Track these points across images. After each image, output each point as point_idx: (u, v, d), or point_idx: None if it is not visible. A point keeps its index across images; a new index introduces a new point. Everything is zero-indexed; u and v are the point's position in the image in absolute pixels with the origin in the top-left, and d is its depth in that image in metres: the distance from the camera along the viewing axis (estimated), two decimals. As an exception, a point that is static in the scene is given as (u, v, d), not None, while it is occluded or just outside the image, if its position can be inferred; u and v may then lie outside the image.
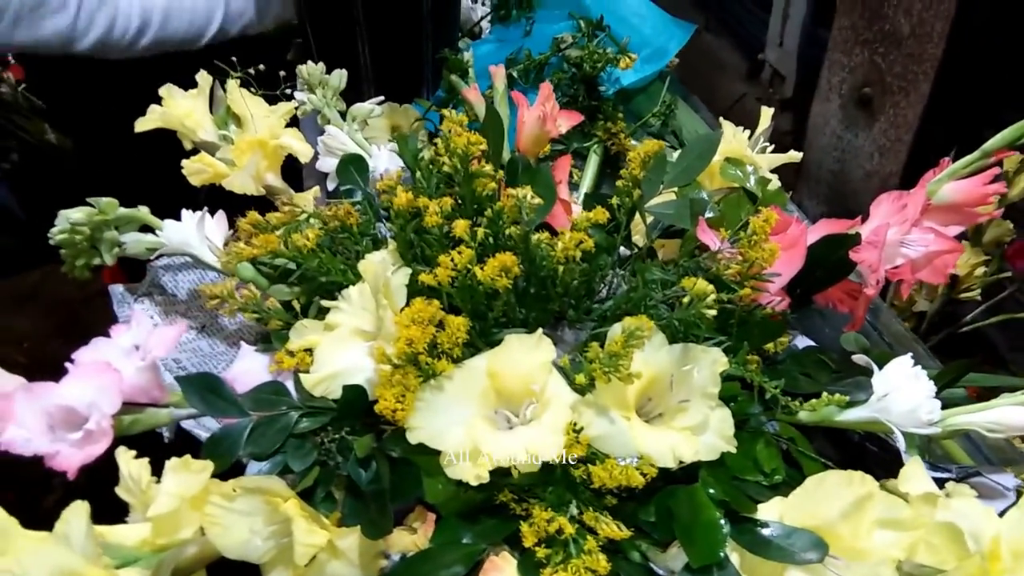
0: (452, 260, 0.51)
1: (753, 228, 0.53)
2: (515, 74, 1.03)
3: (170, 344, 0.54)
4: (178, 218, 0.72)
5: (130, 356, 0.55)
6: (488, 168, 0.59)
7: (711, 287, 0.48)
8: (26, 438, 0.50)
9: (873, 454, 0.60)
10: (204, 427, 0.63)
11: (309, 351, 0.57)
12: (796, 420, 0.55)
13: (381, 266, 0.55)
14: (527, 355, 0.52)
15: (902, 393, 0.52)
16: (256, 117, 0.81)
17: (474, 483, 0.47)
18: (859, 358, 0.56)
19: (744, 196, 0.69)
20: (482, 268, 0.52)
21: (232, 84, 0.82)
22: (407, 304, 0.53)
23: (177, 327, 0.56)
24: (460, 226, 0.55)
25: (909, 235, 0.60)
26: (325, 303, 0.59)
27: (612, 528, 0.45)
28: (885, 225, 0.58)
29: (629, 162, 0.62)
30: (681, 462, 0.49)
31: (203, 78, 0.81)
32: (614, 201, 0.63)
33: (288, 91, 0.89)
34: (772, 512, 0.46)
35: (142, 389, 0.54)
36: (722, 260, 0.56)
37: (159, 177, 0.79)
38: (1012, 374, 0.97)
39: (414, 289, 0.55)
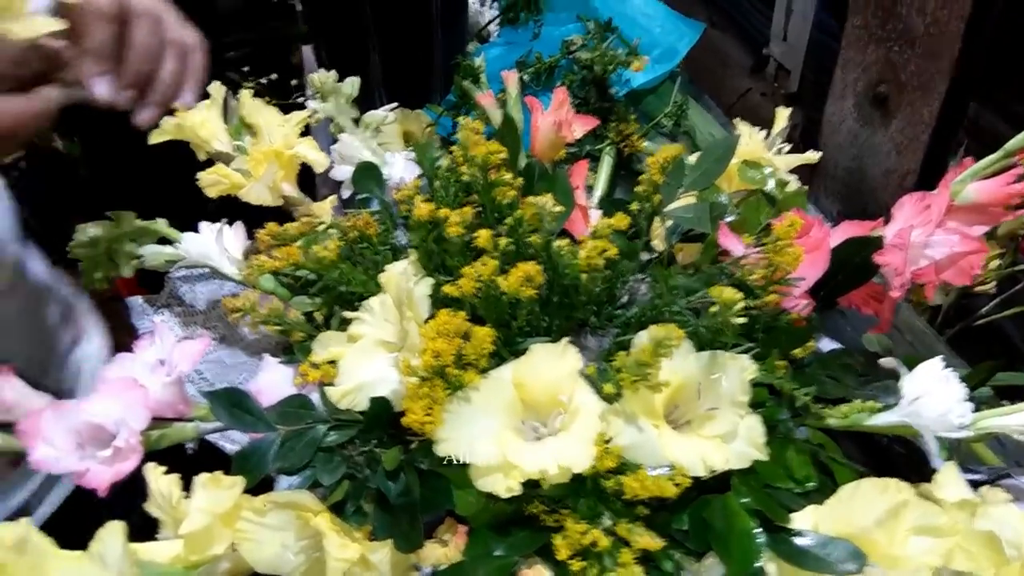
0: (476, 271, 0.51)
1: (778, 233, 0.53)
2: (525, 77, 1.03)
3: (195, 359, 0.54)
4: (189, 225, 0.72)
5: (155, 371, 0.55)
6: (508, 176, 0.59)
7: (739, 295, 0.48)
8: (56, 456, 0.50)
9: (899, 456, 0.59)
10: (229, 439, 0.63)
11: (333, 363, 0.57)
12: (824, 425, 0.54)
13: (403, 277, 0.54)
14: (553, 364, 0.52)
15: (933, 397, 0.52)
16: (270, 127, 0.80)
17: (505, 495, 0.47)
18: (887, 361, 0.56)
19: (763, 198, 0.69)
20: (506, 278, 0.52)
21: (245, 94, 0.82)
22: (431, 315, 0.53)
23: (201, 341, 0.55)
24: (483, 236, 0.54)
25: (933, 236, 0.59)
26: (347, 314, 0.59)
27: (646, 539, 0.44)
28: (909, 227, 0.58)
29: (648, 167, 0.62)
30: (712, 471, 0.49)
31: (216, 88, 0.80)
32: (634, 206, 0.62)
33: (300, 100, 0.89)
34: (806, 521, 0.46)
35: (168, 404, 0.54)
36: (746, 265, 0.56)
37: (167, 185, 0.79)
38: (1024, 362, 0.97)
39: (437, 299, 0.54)
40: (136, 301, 0.79)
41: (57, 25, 0.51)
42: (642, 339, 0.52)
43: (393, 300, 0.56)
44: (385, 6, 1.02)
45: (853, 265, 0.60)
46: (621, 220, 0.58)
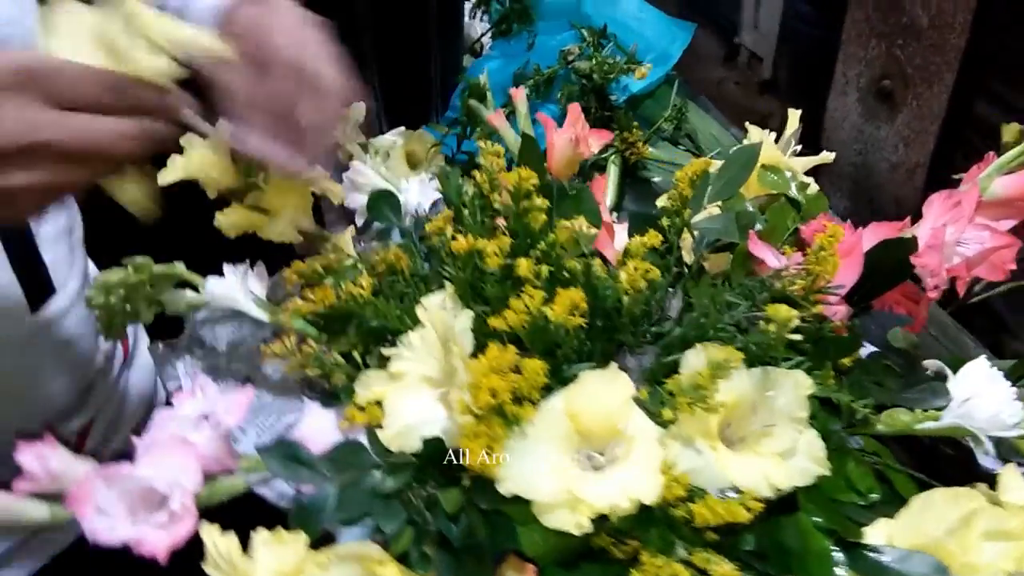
0: (524, 303, 0.51)
1: (821, 243, 0.53)
2: (525, 89, 1.02)
3: (241, 411, 0.53)
4: (195, 265, 0.70)
5: (199, 426, 0.54)
6: (540, 201, 0.58)
7: (795, 312, 0.48)
8: (110, 525, 0.49)
9: (945, 456, 0.60)
10: (272, 488, 0.62)
11: (378, 403, 0.56)
12: (875, 432, 0.55)
13: (446, 313, 0.54)
14: (605, 391, 0.51)
15: (983, 398, 0.52)
16: (280, 159, 0.79)
17: (575, 532, 0.47)
18: (931, 363, 0.56)
19: (787, 203, 0.69)
20: (552, 308, 0.52)
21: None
22: (478, 349, 0.53)
23: (245, 392, 0.55)
24: (523, 266, 0.54)
25: (964, 233, 0.60)
26: (386, 351, 0.58)
27: (724, 568, 0.44)
28: (942, 226, 0.58)
29: (677, 182, 0.62)
30: (777, 490, 0.49)
31: (223, 124, 0.79)
32: (664, 221, 0.62)
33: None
34: (880, 535, 0.46)
35: (215, 459, 0.53)
36: (787, 277, 0.56)
37: (170, 225, 0.78)
38: (1016, 338, 0.99)
39: (479, 332, 0.54)
40: (158, 349, 0.77)
41: (178, 74, 0.51)
42: (693, 360, 0.52)
43: (438, 336, 0.55)
44: (383, 24, 1.01)
45: (888, 268, 0.60)
46: (654, 238, 0.58)
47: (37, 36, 0.49)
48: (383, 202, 0.76)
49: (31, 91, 0.44)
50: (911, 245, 0.59)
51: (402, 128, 0.94)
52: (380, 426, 0.55)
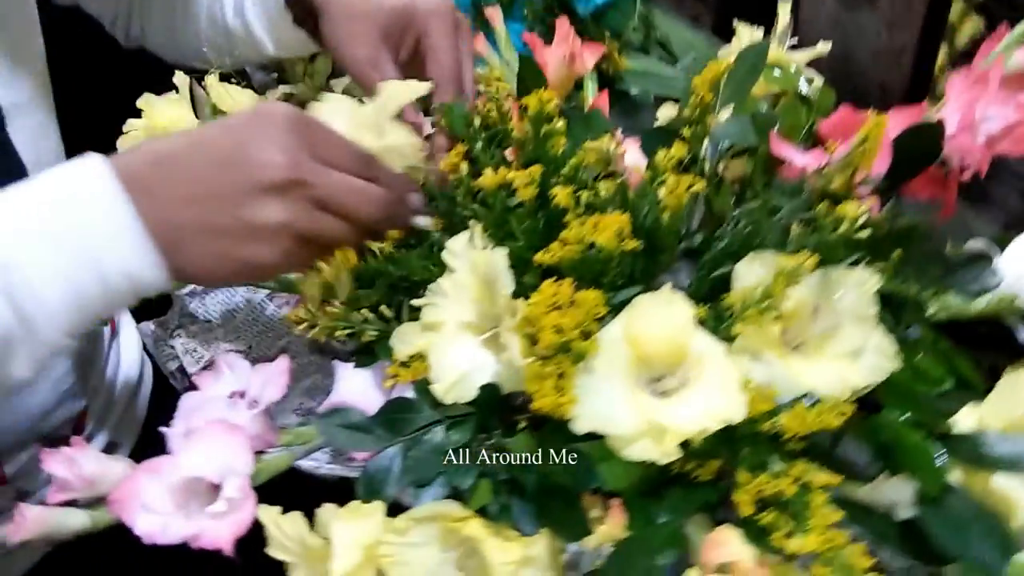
0: (577, 234, 0.48)
1: (865, 133, 0.51)
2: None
3: (283, 382, 0.50)
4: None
5: (236, 406, 0.50)
6: (560, 125, 0.54)
7: (864, 207, 0.46)
8: (162, 524, 0.45)
9: (984, 336, 0.59)
10: (310, 459, 0.59)
11: (420, 357, 0.53)
12: (930, 320, 0.54)
13: (486, 254, 0.50)
14: (663, 313, 0.49)
15: (1037, 272, 0.51)
16: (250, 111, 0.73)
17: (664, 461, 0.45)
18: (975, 243, 0.56)
19: (797, 100, 0.67)
20: (598, 235, 0.49)
21: (212, 79, 0.74)
22: (522, 287, 0.50)
23: (281, 363, 0.51)
24: (562, 194, 0.51)
25: (988, 110, 0.58)
26: (416, 302, 0.54)
27: (824, 477, 0.43)
28: (971, 106, 0.57)
29: (695, 88, 0.59)
30: (855, 391, 0.48)
31: (181, 78, 0.73)
32: (686, 132, 0.59)
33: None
34: (969, 422, 0.45)
35: (258, 438, 0.50)
36: (827, 173, 0.54)
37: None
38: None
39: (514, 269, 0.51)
40: (148, 328, 0.72)
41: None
42: (745, 271, 0.50)
43: (479, 278, 0.51)
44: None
45: (916, 153, 0.58)
46: (680, 150, 0.56)
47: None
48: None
49: (303, 137, 0.47)
50: (940, 129, 0.57)
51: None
52: (427, 380, 0.52)
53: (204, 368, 0.70)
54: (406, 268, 0.56)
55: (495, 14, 0.76)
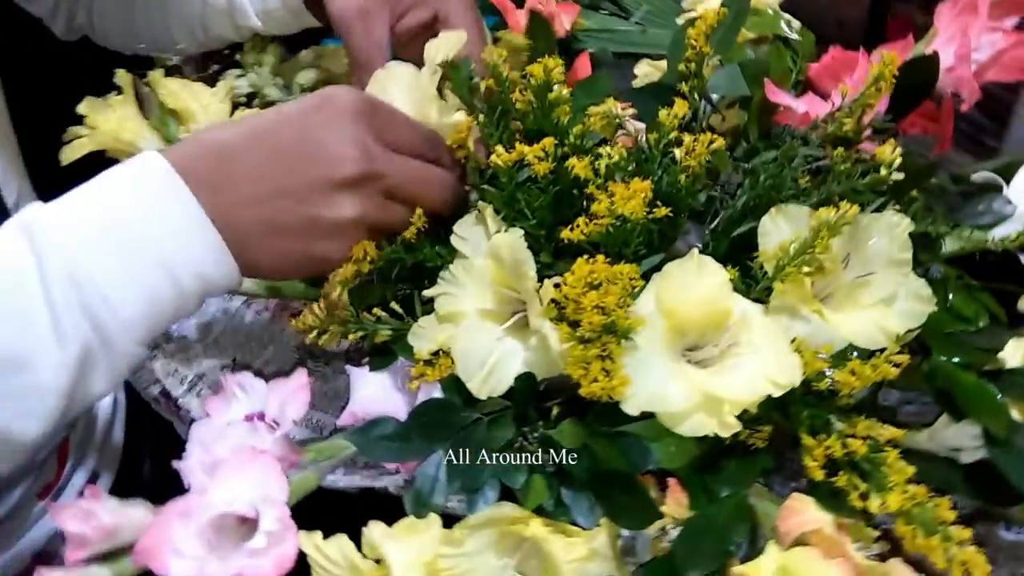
0: (607, 207, 0.45)
1: (878, 73, 0.50)
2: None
3: (303, 399, 0.46)
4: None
5: (257, 429, 0.46)
6: (565, 92, 0.51)
7: (899, 150, 0.45)
8: (198, 569, 0.41)
9: (993, 265, 0.59)
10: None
11: (442, 352, 0.50)
12: (947, 256, 0.54)
13: (511, 238, 0.47)
14: (697, 280, 0.47)
15: (1049, 199, 0.51)
16: (202, 106, 0.68)
17: (723, 433, 0.43)
18: (981, 175, 0.55)
19: (780, 44, 0.65)
20: (624, 204, 0.46)
21: (156, 75, 0.68)
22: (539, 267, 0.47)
23: (298, 378, 0.47)
24: (580, 166, 0.48)
25: (979, 39, 0.58)
26: (429, 292, 0.51)
27: (889, 431, 0.42)
28: (965, 36, 0.56)
29: (690, 39, 0.56)
30: (896, 337, 0.47)
31: (124, 77, 0.67)
32: (684, 87, 0.57)
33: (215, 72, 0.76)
34: (1015, 356, 0.45)
35: (283, 459, 0.46)
36: (840, 116, 0.52)
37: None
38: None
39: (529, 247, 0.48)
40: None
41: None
42: (771, 226, 0.49)
43: (501, 263, 0.48)
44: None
45: (912, 88, 0.57)
46: (682, 107, 0.53)
47: None
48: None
49: (371, 124, 0.46)
50: (935, 62, 0.57)
51: (314, 46, 0.83)
52: (454, 376, 0.49)
53: (190, 388, 0.65)
54: (421, 255, 0.52)
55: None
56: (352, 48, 0.60)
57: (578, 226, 0.47)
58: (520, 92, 0.51)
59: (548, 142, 0.48)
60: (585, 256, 0.45)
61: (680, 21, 0.70)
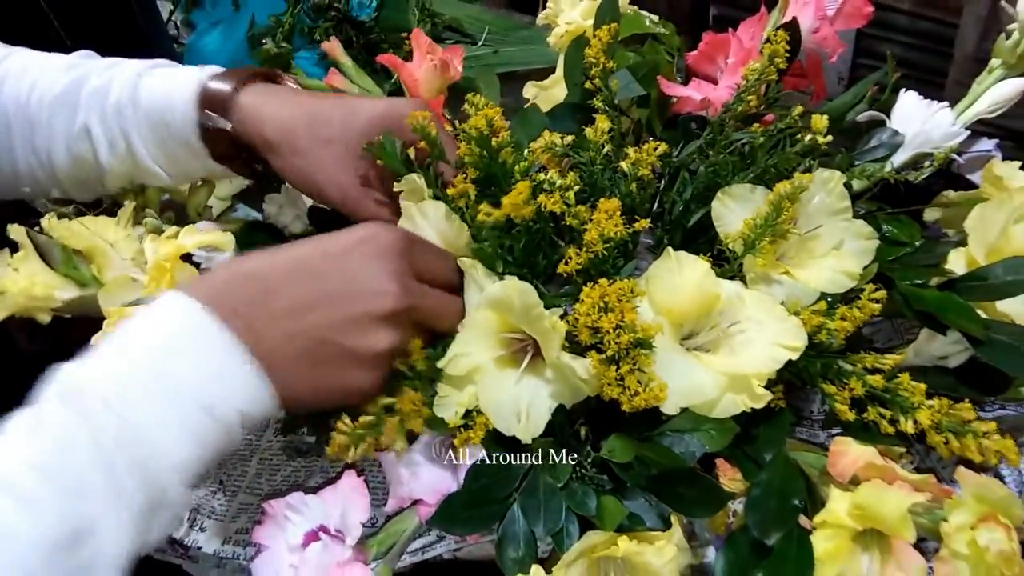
0: (592, 235, 0.48)
1: (772, 50, 0.55)
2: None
3: (364, 502, 0.46)
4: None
5: (328, 544, 0.45)
6: (505, 133, 0.53)
7: (823, 117, 0.50)
8: None
9: (897, 187, 0.66)
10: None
11: (474, 413, 0.51)
12: (853, 191, 0.60)
13: (519, 286, 0.49)
14: (680, 276, 0.51)
15: (929, 120, 0.59)
16: (112, 241, 0.65)
17: (759, 405, 0.47)
18: (865, 115, 0.63)
19: (652, 41, 0.70)
20: (600, 227, 0.49)
21: (52, 222, 0.64)
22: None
23: (350, 478, 0.46)
24: (550, 202, 0.50)
25: (826, -1, 0.65)
26: (441, 363, 0.51)
27: (892, 357, 0.47)
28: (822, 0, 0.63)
29: (591, 61, 0.59)
30: (858, 277, 0.52)
31: (18, 232, 0.62)
32: (597, 101, 0.60)
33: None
34: (957, 263, 0.51)
35: (354, 566, 0.46)
36: (745, 96, 0.57)
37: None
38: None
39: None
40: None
41: None
42: (723, 209, 0.53)
43: (517, 310, 0.49)
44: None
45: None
46: (605, 122, 0.57)
47: None
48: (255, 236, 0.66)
49: (410, 260, 0.48)
50: (797, 27, 0.63)
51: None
52: (489, 431, 0.50)
53: (192, 525, 0.62)
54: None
55: (334, 47, 0.72)
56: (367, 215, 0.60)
57: (571, 258, 0.49)
58: (465, 144, 0.53)
59: (523, 186, 0.50)
60: (586, 283, 0.47)
61: (551, 39, 0.73)
